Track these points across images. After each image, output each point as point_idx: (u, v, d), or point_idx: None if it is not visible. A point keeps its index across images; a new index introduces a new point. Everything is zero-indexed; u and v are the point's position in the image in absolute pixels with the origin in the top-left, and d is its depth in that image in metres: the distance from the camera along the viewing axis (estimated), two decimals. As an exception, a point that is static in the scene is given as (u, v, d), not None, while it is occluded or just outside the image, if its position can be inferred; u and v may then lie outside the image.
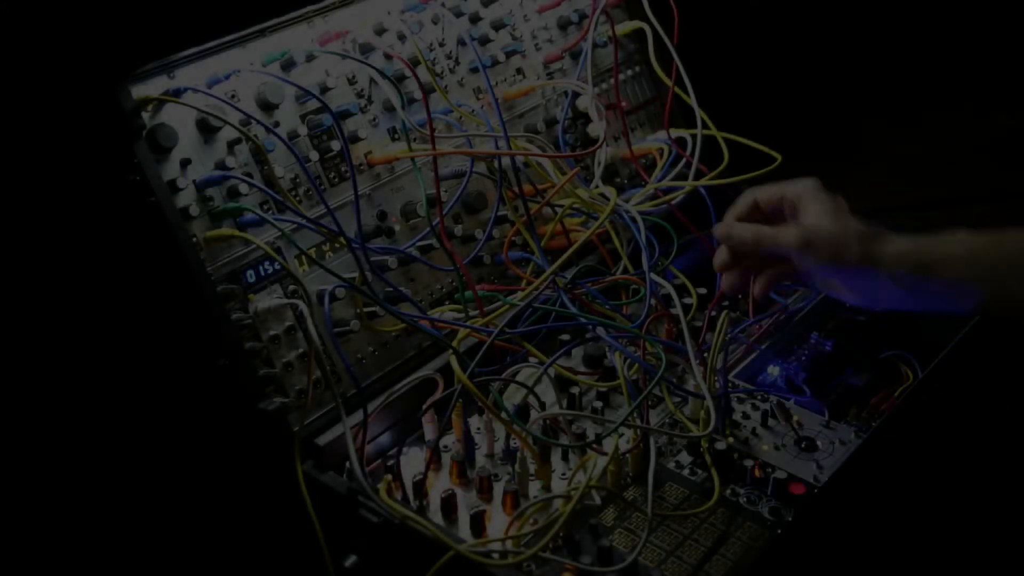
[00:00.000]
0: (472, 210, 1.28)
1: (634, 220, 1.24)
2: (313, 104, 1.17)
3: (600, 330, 1.14)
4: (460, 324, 1.16)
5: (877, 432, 1.10)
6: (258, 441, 1.07)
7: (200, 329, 1.06)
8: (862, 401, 1.15)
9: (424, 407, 1.09)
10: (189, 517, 1.22)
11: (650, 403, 1.12)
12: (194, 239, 1.07)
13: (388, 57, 1.24)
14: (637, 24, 1.42)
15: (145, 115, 1.05)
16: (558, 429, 1.08)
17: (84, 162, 1.07)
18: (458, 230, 1.26)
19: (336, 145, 1.17)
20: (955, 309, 1.05)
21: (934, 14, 2.18)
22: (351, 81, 1.22)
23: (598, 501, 1.03)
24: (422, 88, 1.19)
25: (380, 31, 1.24)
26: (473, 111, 1.29)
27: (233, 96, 1.12)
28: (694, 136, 1.33)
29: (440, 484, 1.06)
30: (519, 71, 1.39)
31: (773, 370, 1.21)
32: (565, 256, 1.19)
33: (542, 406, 1.12)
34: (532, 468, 1.05)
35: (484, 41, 1.33)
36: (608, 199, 1.25)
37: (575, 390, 1.16)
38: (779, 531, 1.00)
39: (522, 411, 1.11)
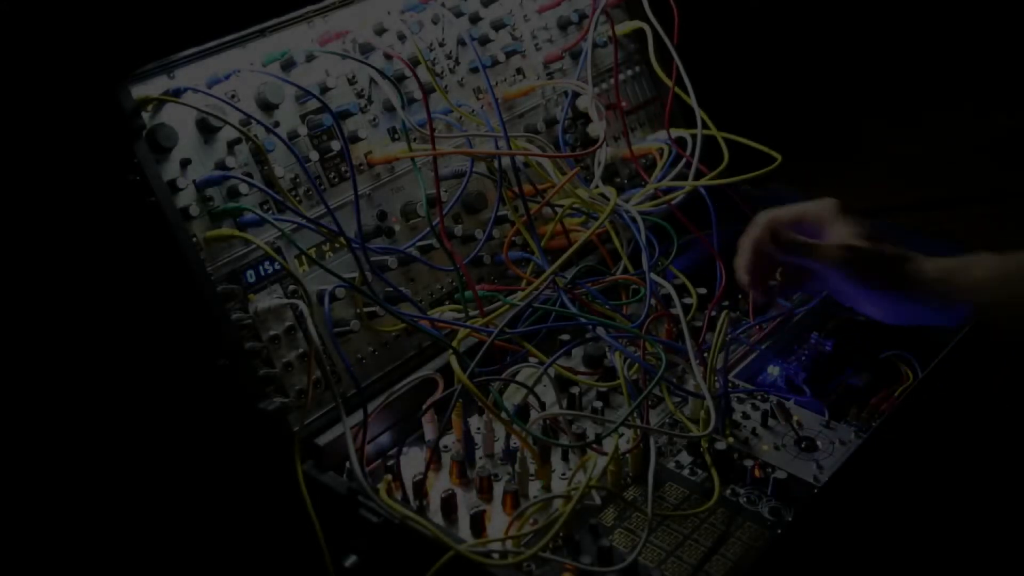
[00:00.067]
0: (472, 210, 1.28)
1: (634, 220, 1.24)
2: (313, 104, 1.17)
3: (600, 330, 1.14)
4: (460, 324, 1.16)
5: (877, 432, 1.10)
6: (258, 441, 1.07)
7: (200, 329, 1.06)
8: (862, 401, 1.15)
9: (424, 407, 1.09)
10: (189, 517, 1.21)
11: (650, 403, 1.12)
12: (194, 239, 1.07)
13: (388, 57, 1.24)
14: (637, 24, 1.42)
15: (145, 115, 1.05)
16: (558, 429, 1.08)
17: (84, 162, 1.07)
18: (458, 230, 1.26)
19: (336, 145, 1.17)
20: (981, 324, 1.10)
21: (934, 14, 2.18)
22: (351, 81, 1.22)
23: (598, 501, 1.03)
24: (422, 88, 1.19)
25: (380, 31, 1.24)
26: (473, 111, 1.29)
27: (233, 96, 1.12)
28: (694, 136, 1.33)
29: (440, 484, 1.06)
30: (519, 71, 1.39)
31: (773, 370, 1.21)
32: (565, 256, 1.19)
33: (542, 406, 1.12)
34: (532, 468, 1.05)
35: (484, 41, 1.33)
36: (608, 199, 1.25)
37: (575, 390, 1.16)
38: (779, 531, 1.00)
39: (522, 411, 1.11)
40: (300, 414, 1.08)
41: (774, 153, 1.30)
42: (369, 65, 1.18)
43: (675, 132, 1.40)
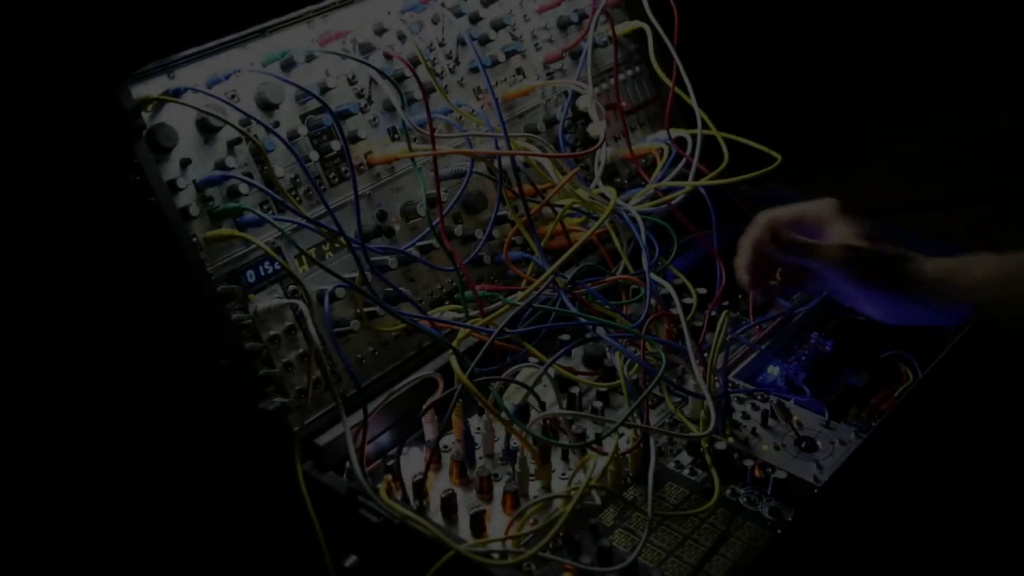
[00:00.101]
0: (472, 210, 1.28)
1: (634, 220, 1.24)
2: (313, 104, 1.17)
3: (600, 330, 1.14)
4: (460, 324, 1.16)
5: (877, 432, 1.10)
6: (258, 441, 1.07)
7: (200, 329, 1.06)
8: (862, 401, 1.15)
9: (424, 407, 1.09)
10: (189, 517, 1.21)
11: (650, 403, 1.12)
12: (194, 239, 1.07)
13: (388, 57, 1.24)
14: (637, 24, 1.42)
15: (145, 115, 1.05)
16: (558, 429, 1.08)
17: (84, 162, 1.07)
18: (458, 230, 1.26)
19: (336, 145, 1.17)
20: (981, 324, 1.11)
21: (934, 14, 2.18)
22: (351, 81, 1.22)
23: (598, 501, 1.03)
24: (422, 88, 1.19)
25: (380, 31, 1.24)
26: (473, 111, 1.29)
27: (233, 96, 1.12)
28: (694, 136, 1.33)
29: (440, 484, 1.06)
30: (519, 71, 1.39)
31: (773, 370, 1.21)
32: (565, 256, 1.19)
33: (542, 406, 1.12)
34: (532, 468, 1.05)
35: (484, 41, 1.33)
36: (608, 199, 1.25)
37: (575, 390, 1.16)
38: (779, 531, 1.00)
39: (522, 411, 1.11)
40: (300, 414, 1.08)
41: (774, 153, 1.30)
42: (369, 65, 1.18)
43: (675, 132, 1.40)
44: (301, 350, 1.11)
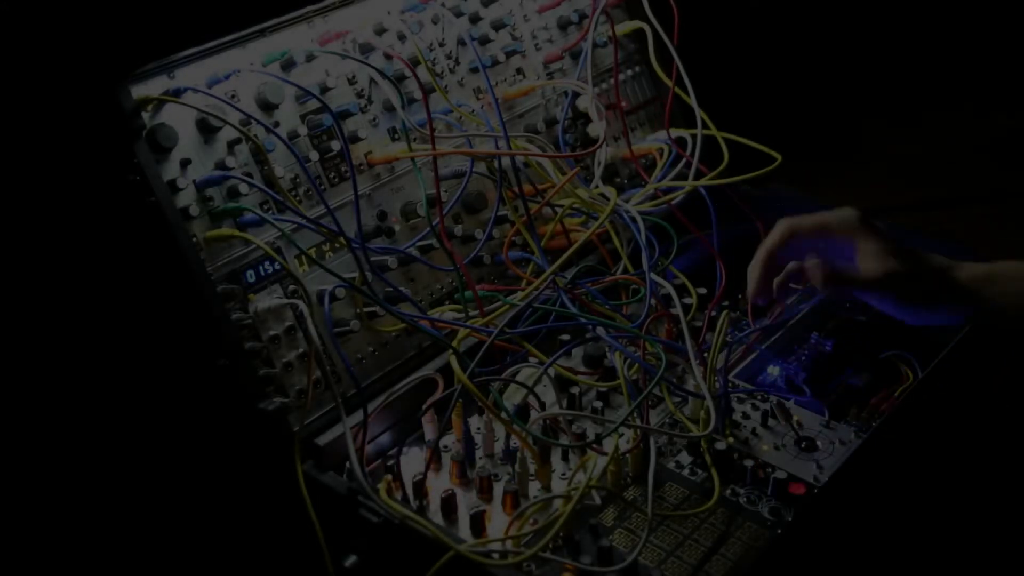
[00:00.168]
0: (472, 210, 1.28)
1: (634, 220, 1.24)
2: (313, 104, 1.17)
3: (600, 330, 1.14)
4: (460, 324, 1.16)
5: (877, 432, 1.10)
6: (258, 441, 1.07)
7: (200, 329, 1.06)
8: (862, 401, 1.15)
9: (424, 407, 1.09)
10: (189, 517, 1.22)
11: (650, 403, 1.12)
12: (194, 239, 1.07)
13: (388, 57, 1.24)
14: (637, 24, 1.42)
15: (145, 115, 1.05)
16: (558, 429, 1.08)
17: (84, 162, 1.07)
18: (458, 230, 1.26)
19: (336, 145, 1.17)
20: (981, 325, 1.11)
21: (934, 14, 2.18)
22: (351, 81, 1.22)
23: (598, 501, 1.03)
24: (422, 88, 1.19)
25: (380, 31, 1.24)
26: (473, 111, 1.29)
27: (233, 96, 1.12)
28: (694, 136, 1.33)
29: (440, 484, 1.06)
30: (519, 71, 1.39)
31: (773, 370, 1.21)
32: (565, 256, 1.19)
33: (542, 406, 1.12)
34: (532, 468, 1.05)
35: (484, 41, 1.33)
36: (608, 199, 1.25)
37: (575, 390, 1.16)
38: (779, 531, 1.00)
39: (522, 411, 1.11)
40: (300, 414, 1.08)
41: (774, 153, 1.30)
42: (369, 65, 1.18)
43: (675, 132, 1.40)
44: (301, 350, 1.11)
